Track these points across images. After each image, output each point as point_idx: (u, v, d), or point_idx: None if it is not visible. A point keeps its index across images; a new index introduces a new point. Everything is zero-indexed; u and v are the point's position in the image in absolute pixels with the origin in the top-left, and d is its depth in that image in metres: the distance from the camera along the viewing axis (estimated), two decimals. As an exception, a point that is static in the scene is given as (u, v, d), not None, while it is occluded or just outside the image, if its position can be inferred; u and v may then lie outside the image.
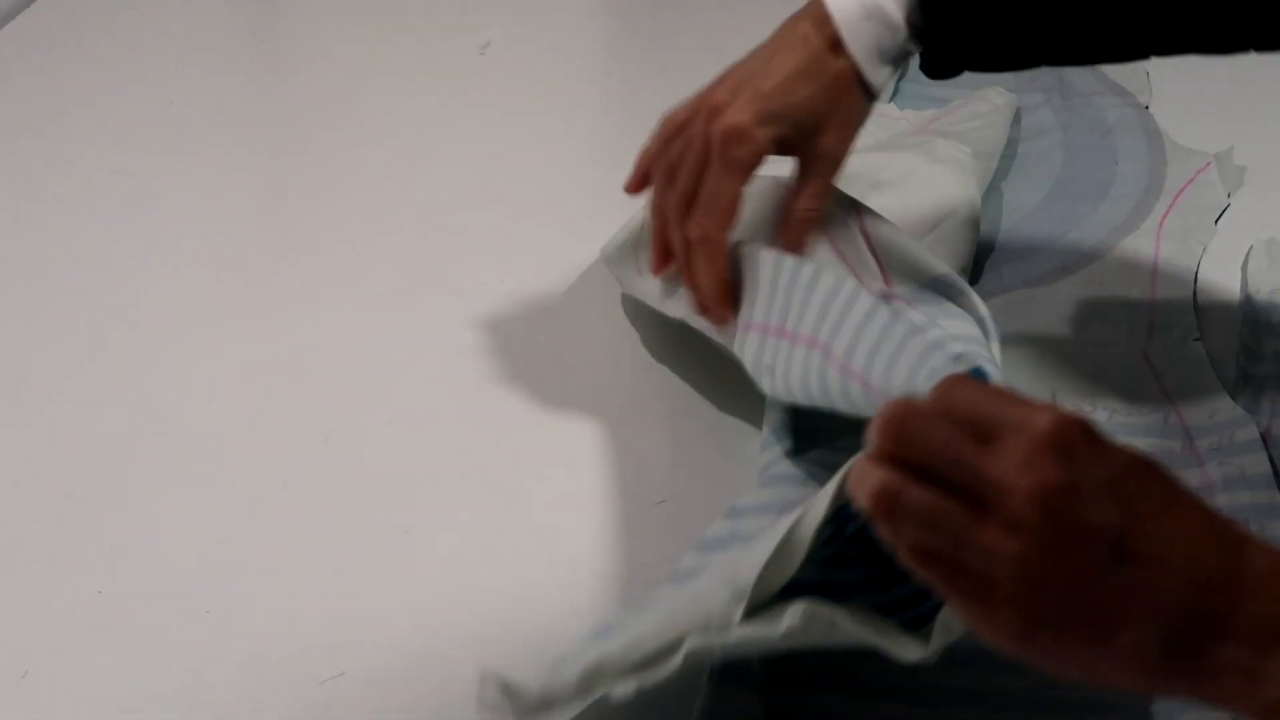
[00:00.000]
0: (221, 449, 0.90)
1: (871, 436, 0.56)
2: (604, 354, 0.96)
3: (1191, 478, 0.84)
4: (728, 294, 0.84)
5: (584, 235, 1.09)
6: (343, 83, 1.32)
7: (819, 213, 0.85)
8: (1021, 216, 1.09)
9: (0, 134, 1.23)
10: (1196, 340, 0.96)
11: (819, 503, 0.62)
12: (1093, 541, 0.52)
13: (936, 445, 0.54)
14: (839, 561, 0.66)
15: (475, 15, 1.42)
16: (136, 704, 0.73)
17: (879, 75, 0.82)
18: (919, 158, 1.03)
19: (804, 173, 0.85)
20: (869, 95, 0.82)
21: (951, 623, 0.59)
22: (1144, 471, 0.54)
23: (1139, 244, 1.05)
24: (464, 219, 1.12)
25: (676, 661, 0.62)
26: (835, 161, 0.84)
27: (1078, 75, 1.27)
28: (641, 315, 0.99)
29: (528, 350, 0.98)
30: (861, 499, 0.55)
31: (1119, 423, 0.89)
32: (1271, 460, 0.84)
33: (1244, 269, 1.02)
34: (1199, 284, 1.01)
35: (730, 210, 0.83)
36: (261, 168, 1.20)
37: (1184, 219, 1.08)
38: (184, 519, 0.85)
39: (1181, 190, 1.11)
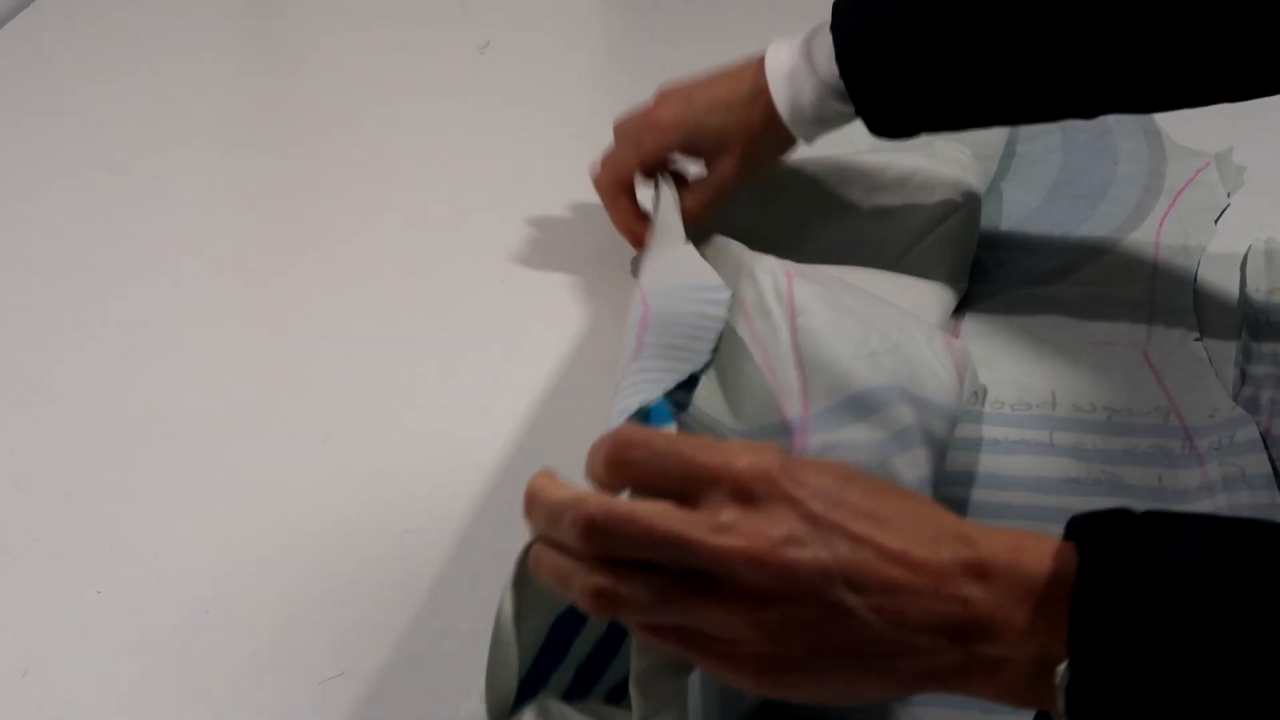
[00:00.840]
0: (221, 448, 0.90)
1: (571, 518, 0.53)
2: (604, 354, 0.96)
3: (1192, 478, 0.84)
4: (634, 232, 1.01)
5: (584, 235, 1.10)
6: (342, 82, 1.32)
7: (696, 214, 0.96)
8: (1021, 217, 1.09)
9: (0, 134, 1.23)
10: (1197, 340, 0.95)
11: (503, 598, 0.63)
12: (821, 584, 0.51)
13: (638, 533, 0.52)
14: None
15: (475, 15, 1.43)
16: (136, 704, 0.73)
17: (803, 128, 0.93)
18: (920, 158, 1.03)
19: (705, 178, 0.98)
20: (786, 140, 0.95)
21: (649, 681, 0.57)
22: (849, 486, 0.54)
23: (1138, 244, 1.05)
24: (464, 219, 1.12)
25: None
26: (725, 178, 0.96)
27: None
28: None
29: (528, 350, 0.98)
30: (572, 597, 0.54)
31: (1119, 422, 0.89)
32: (1272, 460, 0.84)
33: (1243, 269, 1.02)
34: (1198, 284, 1.01)
35: (619, 174, 1.00)
36: (261, 167, 1.20)
37: (1183, 219, 1.08)
38: (184, 519, 0.85)
39: (1181, 190, 1.11)
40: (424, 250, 1.08)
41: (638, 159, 0.99)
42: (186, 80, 1.32)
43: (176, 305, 1.03)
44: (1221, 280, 1.02)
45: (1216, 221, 1.07)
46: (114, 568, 0.81)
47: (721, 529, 0.51)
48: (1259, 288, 1.00)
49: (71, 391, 0.95)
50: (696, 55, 1.34)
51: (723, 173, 0.96)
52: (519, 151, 1.21)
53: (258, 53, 1.45)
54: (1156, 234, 1.07)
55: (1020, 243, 1.06)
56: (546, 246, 1.08)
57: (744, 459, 0.53)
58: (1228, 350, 0.95)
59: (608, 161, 1.01)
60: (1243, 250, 1.04)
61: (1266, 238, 1.04)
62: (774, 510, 0.52)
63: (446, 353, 0.98)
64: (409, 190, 1.16)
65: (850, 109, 0.91)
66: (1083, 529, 0.54)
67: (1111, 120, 1.19)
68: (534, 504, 0.55)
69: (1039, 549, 0.53)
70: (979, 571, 0.53)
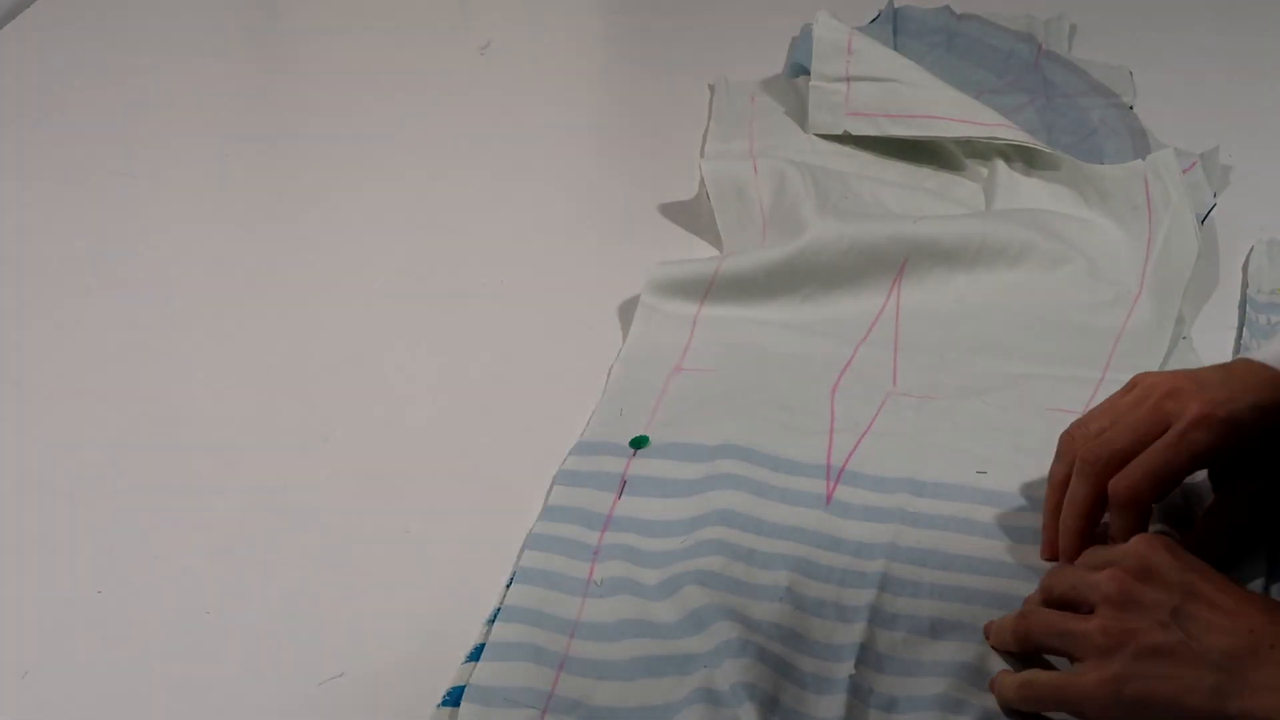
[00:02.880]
0: (222, 449, 0.90)
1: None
2: (604, 353, 0.96)
3: None
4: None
5: (583, 235, 1.10)
6: (343, 83, 1.32)
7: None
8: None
9: (0, 134, 1.23)
10: (1184, 339, 0.96)
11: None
12: (1154, 608, 0.68)
13: (1068, 584, 0.73)
14: None
15: (475, 15, 1.43)
16: (136, 704, 0.73)
17: None
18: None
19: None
20: None
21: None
22: (1202, 568, 0.70)
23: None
24: (464, 219, 1.12)
25: None
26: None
27: (1061, 75, 1.27)
28: (642, 315, 0.99)
29: (528, 350, 0.98)
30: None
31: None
32: None
33: (1244, 269, 1.02)
34: (1195, 284, 1.01)
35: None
36: (261, 167, 1.20)
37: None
38: (184, 519, 0.85)
39: (1166, 191, 1.11)
40: (424, 250, 1.08)
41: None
42: (186, 80, 1.31)
43: (176, 305, 1.03)
44: (1222, 280, 1.02)
45: (1203, 222, 1.07)
46: (114, 568, 0.81)
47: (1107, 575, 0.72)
48: (1260, 288, 1.00)
49: (71, 391, 0.95)
50: (697, 55, 1.35)
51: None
52: (519, 151, 1.21)
53: (257, 53, 1.45)
54: (1147, 236, 1.06)
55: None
56: (546, 246, 1.08)
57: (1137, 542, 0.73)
58: (1227, 350, 0.95)
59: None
60: (1243, 250, 1.04)
61: (1268, 238, 1.04)
62: (1144, 568, 0.71)
63: (446, 353, 0.98)
64: (409, 190, 1.15)
65: None
66: None
67: (1097, 121, 1.19)
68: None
69: None
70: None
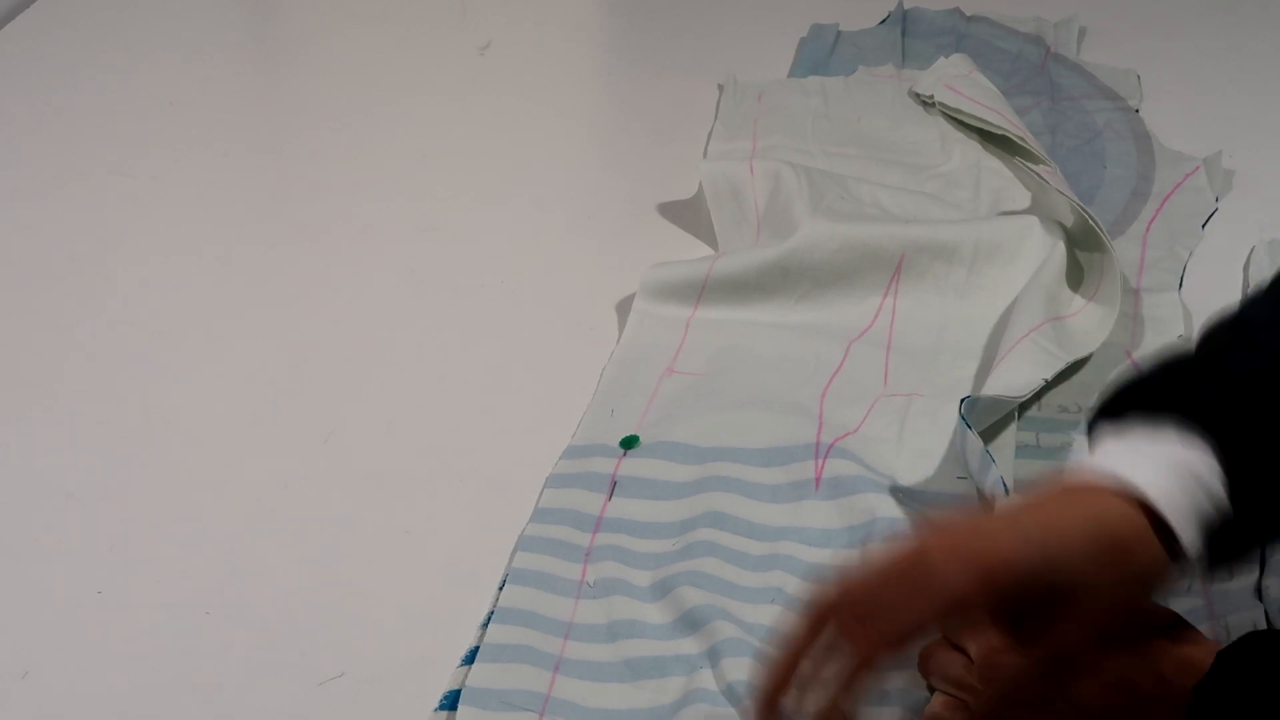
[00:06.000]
0: (222, 449, 0.90)
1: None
2: (605, 354, 0.96)
3: None
4: None
5: (583, 235, 1.10)
6: (343, 83, 1.32)
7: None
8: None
9: (0, 134, 1.23)
10: (1180, 337, 0.96)
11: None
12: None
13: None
14: None
15: (475, 15, 1.43)
16: (136, 704, 0.73)
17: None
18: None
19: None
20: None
21: None
22: None
23: (1126, 247, 1.05)
24: (464, 219, 1.12)
25: None
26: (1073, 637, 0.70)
27: (1068, 78, 1.27)
28: (635, 316, 0.99)
29: (527, 350, 0.98)
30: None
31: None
32: None
33: (1246, 270, 1.02)
34: (1184, 287, 1.01)
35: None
36: (261, 167, 1.20)
37: (1170, 223, 1.08)
38: (184, 519, 0.85)
39: (1169, 195, 1.11)
40: (424, 251, 1.08)
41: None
42: (186, 80, 1.31)
43: (176, 305, 1.03)
44: (1222, 281, 1.02)
45: (1204, 226, 1.07)
46: (114, 568, 0.81)
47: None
48: (1261, 289, 1.00)
49: (72, 391, 0.95)
50: (697, 55, 1.35)
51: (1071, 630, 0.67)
52: (519, 151, 1.21)
53: (258, 53, 1.45)
54: (1143, 237, 1.07)
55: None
56: (546, 247, 1.08)
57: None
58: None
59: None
60: (1244, 251, 1.04)
61: (1269, 239, 1.04)
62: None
63: (446, 353, 0.98)
64: (409, 190, 1.16)
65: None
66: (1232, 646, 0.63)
67: (1102, 124, 1.20)
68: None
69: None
70: None
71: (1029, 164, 1.11)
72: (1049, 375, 0.90)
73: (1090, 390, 0.91)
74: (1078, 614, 0.64)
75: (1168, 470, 0.63)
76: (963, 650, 0.67)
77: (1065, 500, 0.64)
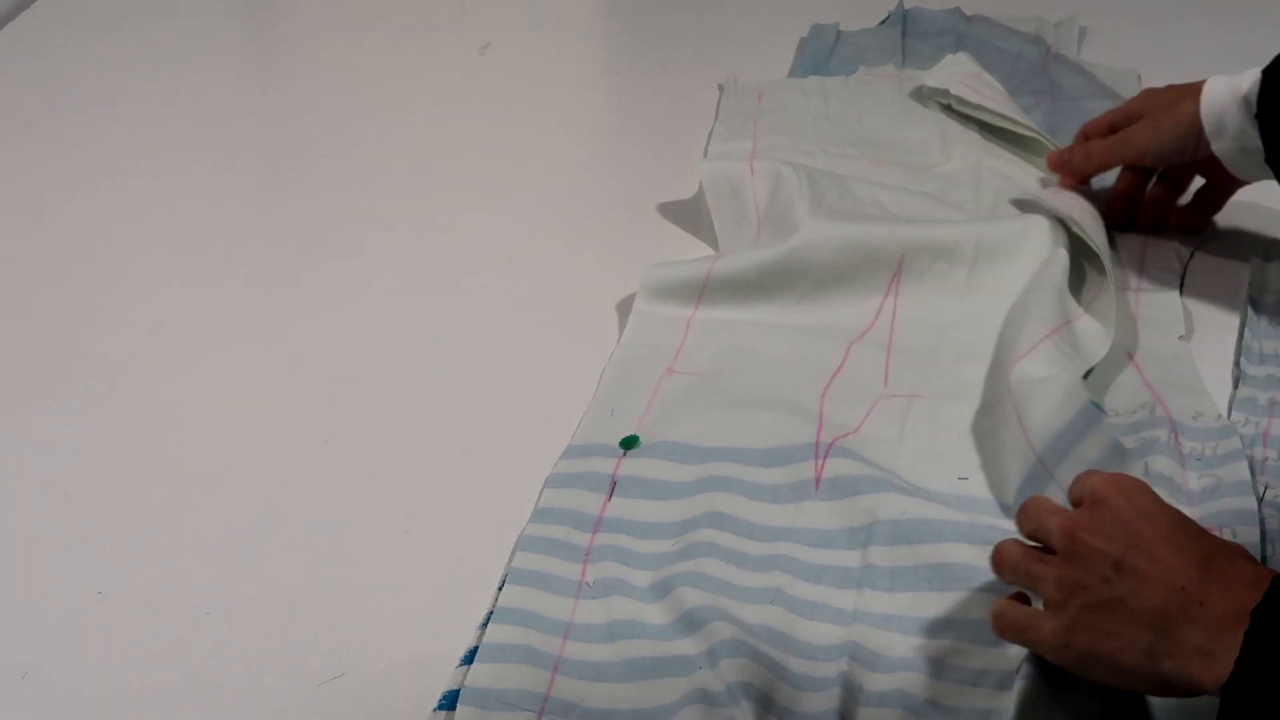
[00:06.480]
0: (222, 449, 0.90)
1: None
2: (605, 354, 0.96)
3: (1174, 473, 0.84)
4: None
5: (583, 235, 1.10)
6: (343, 83, 1.32)
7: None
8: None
9: (0, 134, 1.23)
10: (1180, 338, 0.96)
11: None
12: (1099, 561, 0.68)
13: (1031, 526, 0.73)
14: None
15: (475, 16, 1.43)
16: (136, 704, 0.73)
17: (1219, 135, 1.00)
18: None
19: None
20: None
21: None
22: (1153, 514, 0.70)
23: (1125, 245, 1.05)
24: (464, 219, 1.12)
25: None
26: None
27: (1068, 78, 1.27)
28: (635, 316, 0.99)
29: (528, 350, 0.98)
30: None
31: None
32: (1251, 468, 0.84)
33: (1247, 271, 1.02)
34: (1185, 285, 1.01)
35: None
36: (261, 168, 1.21)
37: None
38: (184, 519, 0.85)
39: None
40: (424, 251, 1.08)
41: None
42: (187, 81, 1.32)
43: (176, 305, 1.03)
44: (1222, 281, 1.02)
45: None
46: (114, 568, 0.81)
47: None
48: (1262, 289, 1.00)
49: (72, 392, 0.95)
50: (697, 55, 1.35)
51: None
52: (519, 151, 1.21)
53: (258, 53, 1.45)
54: (1144, 236, 1.06)
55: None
56: (546, 247, 1.08)
57: (1096, 478, 0.72)
58: (1225, 351, 0.95)
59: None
60: (1244, 251, 1.04)
61: (1269, 239, 1.04)
62: (1093, 510, 0.71)
63: (446, 353, 0.98)
64: (409, 191, 1.16)
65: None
66: None
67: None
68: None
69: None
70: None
71: (1045, 171, 1.12)
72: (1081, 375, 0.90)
73: (1091, 391, 0.91)
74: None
75: (1227, 79, 0.98)
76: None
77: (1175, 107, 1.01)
